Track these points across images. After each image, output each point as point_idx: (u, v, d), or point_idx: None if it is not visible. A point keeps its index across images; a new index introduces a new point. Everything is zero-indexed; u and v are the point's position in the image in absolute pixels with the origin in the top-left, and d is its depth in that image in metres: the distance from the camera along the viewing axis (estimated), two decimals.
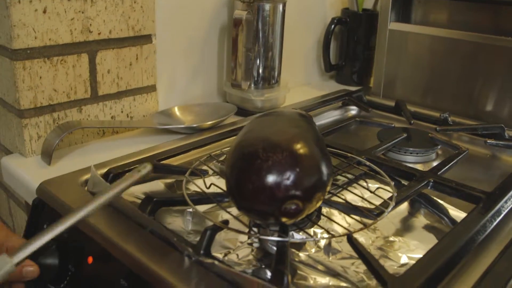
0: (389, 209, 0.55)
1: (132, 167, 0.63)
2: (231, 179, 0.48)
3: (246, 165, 0.46)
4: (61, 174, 0.65)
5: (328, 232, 0.52)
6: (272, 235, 0.52)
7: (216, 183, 0.59)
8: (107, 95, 0.77)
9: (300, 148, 0.47)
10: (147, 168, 0.48)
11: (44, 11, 0.67)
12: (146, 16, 0.78)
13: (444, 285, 0.47)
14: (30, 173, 0.67)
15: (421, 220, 0.62)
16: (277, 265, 0.45)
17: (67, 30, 0.70)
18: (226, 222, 0.51)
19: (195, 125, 0.80)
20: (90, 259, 0.54)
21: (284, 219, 0.48)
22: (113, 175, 0.61)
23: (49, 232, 0.41)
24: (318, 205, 0.49)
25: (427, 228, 0.60)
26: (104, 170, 0.65)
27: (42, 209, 0.61)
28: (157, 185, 0.67)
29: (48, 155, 0.69)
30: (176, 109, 0.85)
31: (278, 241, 0.48)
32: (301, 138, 0.49)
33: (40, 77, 0.69)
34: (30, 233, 0.61)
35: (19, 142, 0.71)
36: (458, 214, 0.63)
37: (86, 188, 0.62)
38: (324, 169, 0.48)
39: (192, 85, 0.92)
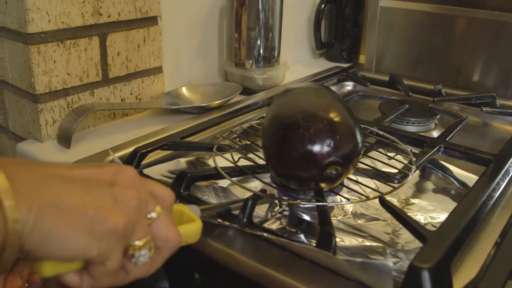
0: (412, 171, 0.59)
1: (156, 146, 0.64)
2: (272, 148, 0.50)
3: (289, 135, 0.48)
4: (82, 157, 0.65)
5: (361, 195, 0.55)
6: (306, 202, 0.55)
7: (243, 157, 0.61)
8: (117, 77, 0.78)
9: (336, 116, 0.50)
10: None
11: None
12: None
13: (472, 237, 0.51)
14: (51, 157, 0.67)
15: (433, 183, 0.66)
16: (323, 226, 0.48)
17: (79, 13, 0.70)
18: (263, 191, 0.54)
19: (204, 105, 0.81)
20: None
21: (323, 184, 0.51)
22: (140, 154, 0.62)
23: None
24: (353, 170, 0.52)
25: (440, 190, 0.64)
26: (126, 151, 0.66)
27: None
28: (179, 163, 0.69)
29: (66, 139, 0.69)
30: (183, 89, 0.86)
31: (319, 206, 0.51)
32: (335, 107, 0.51)
33: (54, 61, 0.69)
34: None
35: (34, 128, 0.71)
36: (467, 175, 0.67)
37: None
38: (358, 136, 0.51)
39: (195, 66, 0.93)
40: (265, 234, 0.47)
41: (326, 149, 0.48)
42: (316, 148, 0.48)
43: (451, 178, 0.67)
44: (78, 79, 0.72)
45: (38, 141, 0.72)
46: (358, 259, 0.40)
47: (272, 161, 0.51)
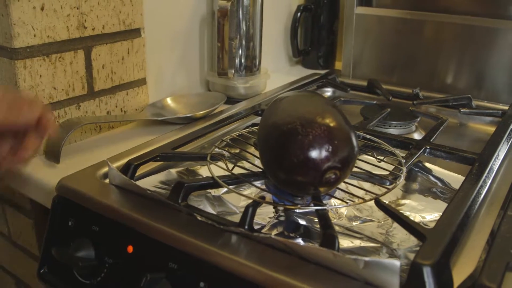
0: (403, 173, 0.61)
1: (150, 157, 0.65)
2: (272, 155, 0.51)
3: (288, 141, 0.49)
4: (74, 171, 0.65)
5: (357, 197, 0.56)
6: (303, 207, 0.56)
7: (237, 165, 0.62)
8: (102, 90, 0.77)
9: (333, 121, 0.51)
10: None
11: (42, 8, 0.66)
12: (135, 9, 0.78)
13: (466, 233, 0.53)
14: (41, 173, 0.66)
15: (419, 184, 0.68)
16: (325, 229, 0.49)
17: (64, 27, 0.69)
18: (263, 197, 0.54)
19: (189, 115, 0.82)
20: (130, 248, 0.55)
21: (322, 189, 0.52)
22: (134, 166, 0.62)
23: None
24: (349, 173, 0.54)
25: (426, 191, 0.66)
26: (118, 164, 0.66)
27: (65, 206, 0.61)
28: (170, 174, 0.69)
29: (55, 155, 0.68)
30: (168, 100, 0.86)
31: (318, 210, 0.52)
32: (331, 112, 0.53)
33: (40, 76, 0.68)
34: (55, 230, 0.61)
35: None
36: (450, 175, 0.69)
37: (106, 180, 0.62)
38: (354, 140, 0.52)
39: (178, 76, 0.93)
40: (272, 236, 0.48)
41: (325, 154, 0.49)
42: (316, 153, 0.49)
43: (434, 179, 0.69)
44: (64, 93, 0.72)
45: None
46: (366, 258, 0.41)
47: (271, 168, 0.51)
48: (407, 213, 0.60)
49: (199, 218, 0.52)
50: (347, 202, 0.54)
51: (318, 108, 0.53)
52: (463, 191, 0.58)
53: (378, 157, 0.66)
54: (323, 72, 1.13)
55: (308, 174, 0.49)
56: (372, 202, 0.55)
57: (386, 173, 0.63)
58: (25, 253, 0.78)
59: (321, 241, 0.48)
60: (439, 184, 0.68)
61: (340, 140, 0.50)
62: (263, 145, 0.52)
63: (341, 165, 0.50)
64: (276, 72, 1.19)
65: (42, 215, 0.71)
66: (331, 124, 0.51)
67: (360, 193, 0.59)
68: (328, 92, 1.05)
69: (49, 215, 0.62)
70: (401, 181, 0.60)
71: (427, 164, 0.72)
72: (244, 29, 0.91)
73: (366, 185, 0.62)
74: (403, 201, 0.63)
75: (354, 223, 0.58)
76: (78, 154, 0.72)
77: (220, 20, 0.85)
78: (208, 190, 0.62)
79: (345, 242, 0.54)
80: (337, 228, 0.57)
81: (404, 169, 0.62)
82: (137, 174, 0.65)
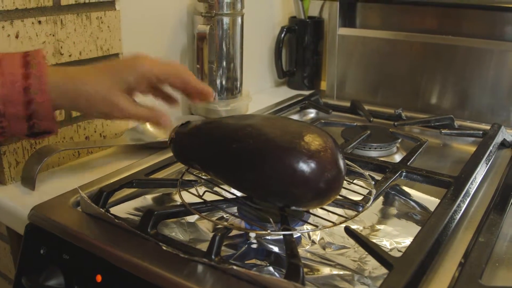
0: (373, 195, 0.61)
1: (122, 184, 0.64)
2: (265, 169, 0.51)
3: (290, 157, 0.50)
4: (48, 198, 0.64)
5: (328, 221, 0.56)
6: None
7: (209, 191, 0.62)
8: (81, 116, 0.77)
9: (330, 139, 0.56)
10: None
11: (17, 36, 0.66)
12: (113, 35, 0.79)
13: (437, 260, 0.53)
14: (15, 200, 0.66)
15: (396, 208, 0.68)
16: (290, 259, 0.48)
17: None
18: (231, 225, 0.54)
19: (168, 140, 0.81)
20: (98, 278, 0.54)
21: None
22: (107, 193, 0.62)
23: None
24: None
25: (403, 215, 0.66)
26: (92, 190, 0.66)
27: (37, 234, 0.61)
28: (145, 200, 0.68)
29: (30, 181, 0.68)
30: (147, 124, 0.86)
31: (285, 235, 0.52)
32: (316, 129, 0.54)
33: None
34: (27, 259, 0.61)
35: None
36: (428, 199, 0.69)
37: (79, 208, 0.62)
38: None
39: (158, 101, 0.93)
40: (234, 267, 0.47)
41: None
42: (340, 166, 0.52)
43: (412, 203, 0.69)
44: None
45: (1, 184, 0.70)
46: None
47: (259, 183, 0.52)
48: (381, 239, 0.60)
49: (164, 248, 0.51)
50: (317, 226, 0.54)
51: (301, 124, 0.56)
52: (435, 217, 0.57)
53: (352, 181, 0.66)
54: (308, 93, 1.13)
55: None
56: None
57: (360, 197, 0.62)
58: (4, 278, 0.78)
59: (285, 271, 0.47)
60: (417, 208, 0.68)
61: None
62: (250, 163, 0.52)
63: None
64: (261, 93, 1.19)
65: (18, 241, 0.71)
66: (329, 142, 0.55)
67: (334, 218, 0.59)
68: (312, 113, 1.06)
69: (21, 243, 0.62)
70: (371, 204, 0.60)
71: (405, 188, 0.72)
72: (224, 51, 0.91)
73: (339, 211, 0.62)
74: (379, 227, 0.63)
75: (327, 250, 0.58)
76: (54, 180, 0.72)
77: (199, 44, 0.85)
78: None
79: (316, 270, 0.54)
80: (308, 255, 0.57)
81: (374, 191, 0.61)
82: (112, 200, 0.65)
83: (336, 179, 0.51)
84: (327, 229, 0.58)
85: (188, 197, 0.60)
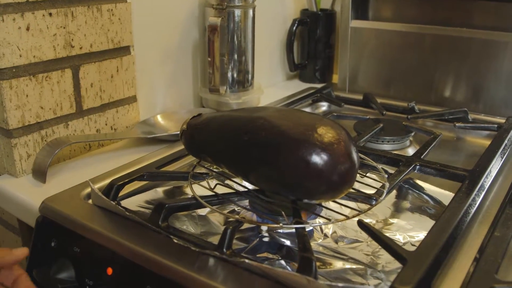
0: (386, 189, 0.60)
1: (133, 177, 0.64)
2: (280, 160, 0.50)
3: (303, 147, 0.50)
4: (59, 191, 0.64)
5: (341, 215, 0.55)
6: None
7: (220, 184, 0.61)
8: (91, 108, 0.77)
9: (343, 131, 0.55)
10: None
11: (28, 28, 0.66)
12: (124, 27, 0.78)
13: (451, 254, 0.52)
14: (26, 192, 0.66)
15: (409, 202, 0.67)
16: (302, 252, 0.48)
17: (50, 46, 0.69)
18: (243, 218, 0.54)
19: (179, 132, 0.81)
20: (109, 270, 0.54)
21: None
22: (117, 186, 0.62)
23: None
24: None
25: (416, 209, 0.65)
26: (103, 183, 0.65)
27: (48, 227, 0.61)
28: (156, 193, 0.68)
29: (41, 174, 0.68)
30: (158, 117, 0.86)
31: (297, 228, 0.51)
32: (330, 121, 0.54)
33: (27, 95, 0.68)
34: (38, 251, 0.61)
35: (8, 163, 0.70)
36: (442, 192, 0.68)
37: (90, 201, 0.62)
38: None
39: (169, 93, 0.93)
40: (246, 261, 0.47)
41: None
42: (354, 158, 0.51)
43: (426, 197, 0.68)
44: (52, 112, 0.72)
45: (13, 176, 0.71)
46: (340, 284, 0.40)
47: (271, 175, 0.51)
48: (394, 233, 0.59)
49: (175, 240, 0.51)
50: (329, 219, 0.53)
51: (314, 117, 0.55)
52: (450, 211, 0.56)
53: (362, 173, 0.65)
54: (320, 86, 1.12)
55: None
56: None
57: (373, 191, 0.62)
58: None
59: (298, 265, 0.47)
60: (431, 202, 0.67)
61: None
62: (262, 156, 0.52)
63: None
64: (273, 86, 1.18)
65: (29, 234, 0.71)
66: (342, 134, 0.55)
67: (347, 211, 0.58)
68: (324, 106, 1.05)
69: (32, 235, 0.62)
70: (385, 197, 0.59)
71: (419, 181, 0.71)
72: (236, 44, 0.90)
73: (352, 204, 0.61)
74: (392, 220, 0.62)
75: (340, 244, 0.57)
76: (65, 173, 0.72)
77: (210, 36, 0.84)
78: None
79: (328, 264, 0.53)
80: (321, 249, 0.56)
81: (387, 185, 0.60)
82: (123, 193, 0.65)
83: (349, 172, 0.50)
84: (340, 222, 0.57)
85: (199, 190, 0.60)
